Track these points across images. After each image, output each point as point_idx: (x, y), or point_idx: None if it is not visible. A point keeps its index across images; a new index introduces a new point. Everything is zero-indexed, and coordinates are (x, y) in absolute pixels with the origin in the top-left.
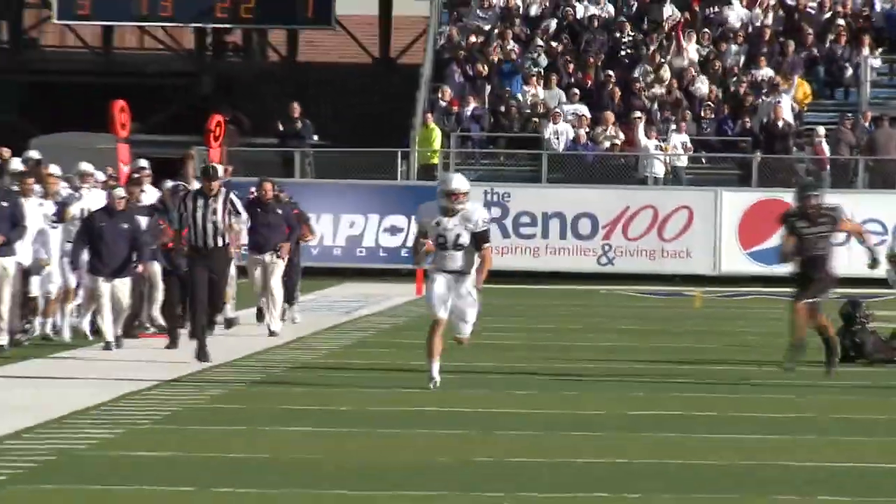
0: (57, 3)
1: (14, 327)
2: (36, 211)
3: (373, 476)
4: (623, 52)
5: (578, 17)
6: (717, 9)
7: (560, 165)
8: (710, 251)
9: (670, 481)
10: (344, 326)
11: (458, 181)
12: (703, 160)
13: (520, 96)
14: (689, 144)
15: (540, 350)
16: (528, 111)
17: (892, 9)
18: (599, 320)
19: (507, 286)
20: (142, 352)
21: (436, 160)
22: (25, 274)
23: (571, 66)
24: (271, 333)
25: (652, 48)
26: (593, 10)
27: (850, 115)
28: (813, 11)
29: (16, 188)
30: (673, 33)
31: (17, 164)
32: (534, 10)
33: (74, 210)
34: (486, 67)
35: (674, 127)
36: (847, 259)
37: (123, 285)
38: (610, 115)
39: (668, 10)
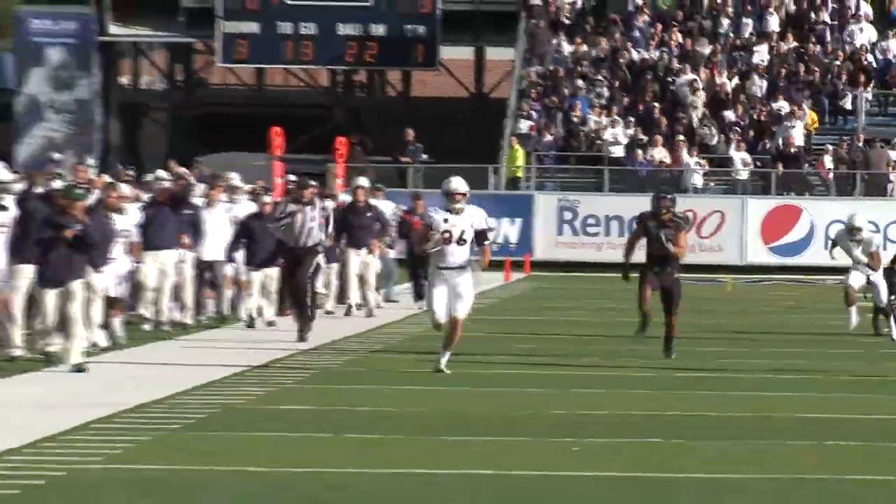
0: (221, 50)
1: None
2: (223, 216)
3: (466, 425)
4: (670, 86)
5: (633, 58)
6: (742, 53)
7: (619, 178)
8: (738, 246)
9: (693, 429)
10: None
11: (458, 183)
12: (732, 173)
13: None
14: (749, 160)
15: (600, 322)
16: (593, 135)
17: (882, 55)
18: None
19: (577, 274)
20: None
21: (520, 174)
22: (209, 266)
23: (626, 99)
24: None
25: (692, 80)
26: (645, 54)
27: (847, 138)
28: (820, 56)
29: (200, 198)
30: (708, 69)
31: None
32: (594, 53)
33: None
34: (558, 100)
35: (734, 146)
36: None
37: (272, 273)
38: (659, 138)
39: (707, 50)
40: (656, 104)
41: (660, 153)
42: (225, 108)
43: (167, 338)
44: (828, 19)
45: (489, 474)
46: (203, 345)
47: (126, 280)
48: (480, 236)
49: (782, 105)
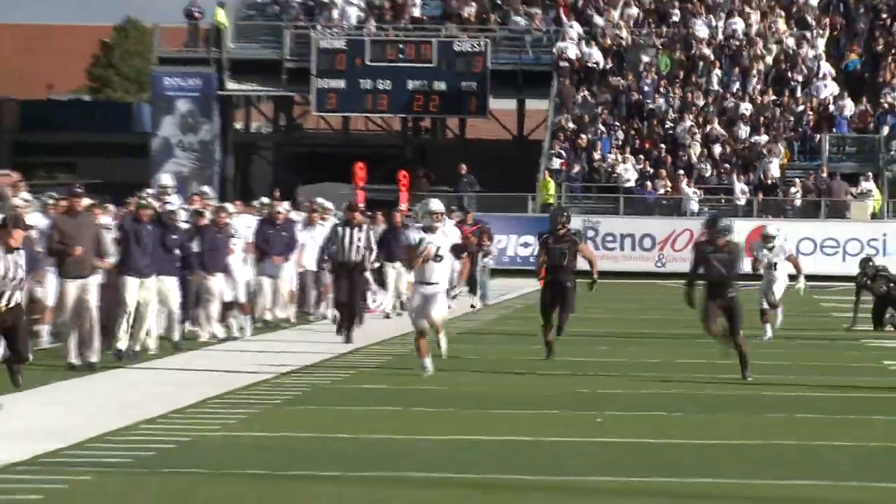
0: (315, 102)
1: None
2: (321, 234)
3: (516, 402)
4: (670, 129)
5: (643, 107)
6: (733, 102)
7: (632, 204)
8: None
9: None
10: (495, 307)
11: (436, 204)
12: (721, 200)
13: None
14: (745, 189)
15: (622, 319)
16: (610, 169)
17: (838, 112)
18: (659, 302)
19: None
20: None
21: (551, 200)
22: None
23: (638, 140)
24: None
25: (690, 125)
26: (651, 105)
27: (812, 172)
28: (792, 106)
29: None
30: (700, 119)
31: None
32: (611, 100)
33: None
34: (583, 141)
35: (735, 179)
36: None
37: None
38: (663, 172)
39: (701, 101)
40: (662, 145)
41: (663, 184)
42: (318, 147)
43: (273, 329)
44: (799, 78)
45: (528, 441)
46: (299, 337)
47: (254, 286)
48: (458, 249)
49: (762, 140)
